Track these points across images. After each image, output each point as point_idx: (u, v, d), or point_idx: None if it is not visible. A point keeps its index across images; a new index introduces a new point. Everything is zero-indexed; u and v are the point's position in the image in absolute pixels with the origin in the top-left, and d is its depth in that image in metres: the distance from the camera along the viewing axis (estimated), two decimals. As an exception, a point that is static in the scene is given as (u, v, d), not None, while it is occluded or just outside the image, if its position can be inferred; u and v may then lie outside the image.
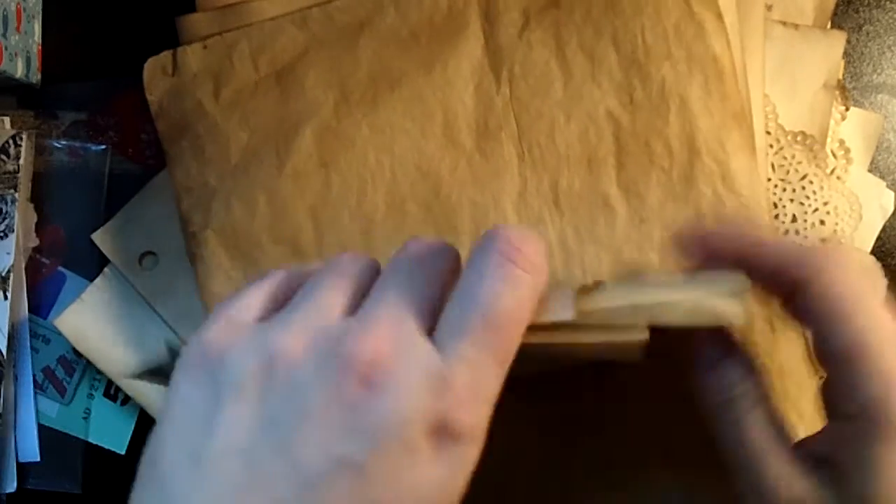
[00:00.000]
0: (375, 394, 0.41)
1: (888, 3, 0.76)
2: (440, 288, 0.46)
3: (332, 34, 0.71)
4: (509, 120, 0.67)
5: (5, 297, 0.75)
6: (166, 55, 0.73)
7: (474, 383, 0.42)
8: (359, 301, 0.46)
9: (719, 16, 0.66)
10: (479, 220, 0.67)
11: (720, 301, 0.47)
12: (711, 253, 0.52)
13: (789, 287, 0.48)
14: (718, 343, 0.52)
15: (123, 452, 0.77)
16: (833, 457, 0.47)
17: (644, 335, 0.48)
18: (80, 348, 0.75)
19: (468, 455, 0.43)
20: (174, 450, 0.43)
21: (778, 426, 0.50)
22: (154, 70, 0.73)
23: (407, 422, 0.41)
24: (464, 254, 0.66)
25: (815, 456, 0.48)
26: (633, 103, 0.66)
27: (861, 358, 0.45)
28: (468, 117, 0.68)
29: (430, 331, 0.44)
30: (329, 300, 0.46)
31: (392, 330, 0.43)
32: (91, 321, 0.75)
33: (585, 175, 0.66)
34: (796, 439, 0.50)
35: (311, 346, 0.43)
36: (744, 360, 0.51)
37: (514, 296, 0.44)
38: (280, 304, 0.48)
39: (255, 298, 0.48)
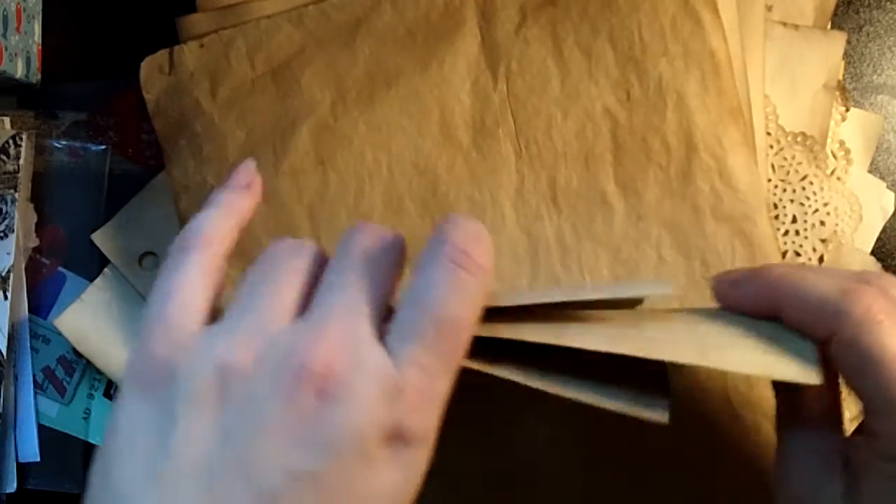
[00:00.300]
0: (330, 405, 0.41)
1: (888, 3, 0.76)
2: (390, 286, 0.47)
3: (328, 32, 0.71)
4: (506, 117, 0.67)
5: (5, 297, 0.76)
6: (163, 54, 0.73)
7: (426, 388, 0.43)
8: (307, 296, 0.46)
9: (716, 11, 0.66)
10: (476, 217, 0.66)
11: (795, 363, 0.47)
12: (743, 302, 0.52)
13: (824, 334, 0.47)
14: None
15: (123, 453, 0.77)
16: (866, 474, 0.48)
17: (665, 417, 0.47)
18: (80, 348, 0.75)
19: (421, 457, 0.43)
20: (129, 468, 0.42)
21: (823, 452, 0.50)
22: (151, 69, 0.73)
23: (363, 432, 0.41)
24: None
25: (854, 465, 0.49)
26: (630, 100, 0.66)
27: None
28: (465, 114, 0.68)
29: (380, 330, 0.44)
30: (276, 300, 0.46)
31: (344, 337, 0.43)
32: (91, 321, 0.75)
33: (583, 172, 0.66)
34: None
35: (262, 357, 0.43)
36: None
37: (463, 301, 0.44)
38: (219, 291, 0.48)
39: (194, 294, 0.47)
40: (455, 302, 0.44)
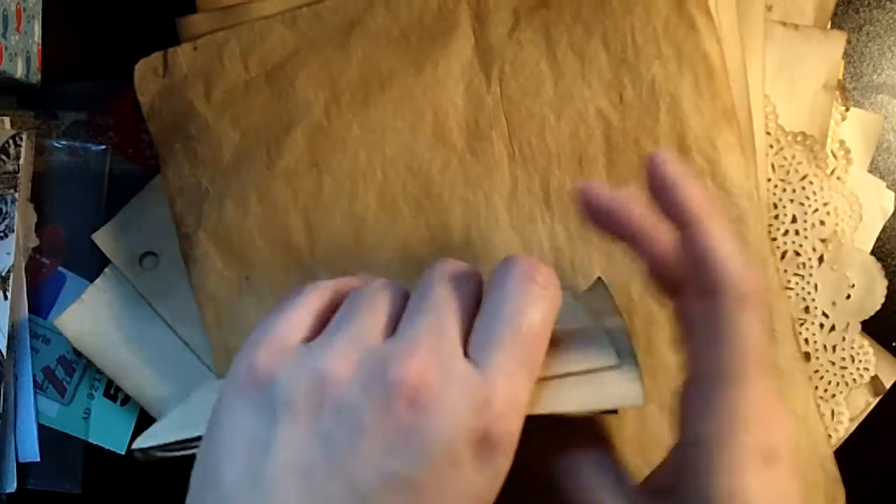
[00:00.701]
0: (423, 414, 0.43)
1: (888, 3, 0.76)
2: (471, 308, 0.49)
3: (322, 34, 0.71)
4: (500, 119, 0.67)
5: (5, 297, 0.76)
6: (157, 56, 0.73)
7: (510, 395, 0.45)
8: (395, 322, 0.48)
9: (709, 14, 0.66)
10: (470, 219, 0.67)
11: (618, 386, 0.48)
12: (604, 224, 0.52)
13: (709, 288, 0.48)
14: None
15: (123, 452, 0.77)
16: (676, 485, 0.49)
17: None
18: (80, 348, 0.75)
19: (505, 462, 0.45)
20: (233, 468, 0.45)
21: (614, 472, 0.52)
22: (145, 71, 0.73)
23: (453, 439, 0.43)
24: (457, 253, 0.67)
25: (660, 488, 0.50)
26: (623, 102, 0.66)
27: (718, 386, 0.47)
28: (459, 117, 0.68)
29: (465, 348, 0.47)
30: (369, 322, 0.48)
31: (433, 352, 0.45)
32: (91, 321, 0.75)
33: (576, 174, 0.66)
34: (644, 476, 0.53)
35: (358, 369, 0.45)
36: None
37: (539, 310, 0.47)
38: (323, 322, 0.50)
39: (300, 318, 0.50)
40: (531, 311, 0.47)
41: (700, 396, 0.48)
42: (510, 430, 0.45)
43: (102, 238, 0.76)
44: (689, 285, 0.49)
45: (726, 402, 0.46)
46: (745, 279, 0.47)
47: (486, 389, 0.44)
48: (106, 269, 0.77)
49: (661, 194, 0.50)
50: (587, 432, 0.54)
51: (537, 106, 0.67)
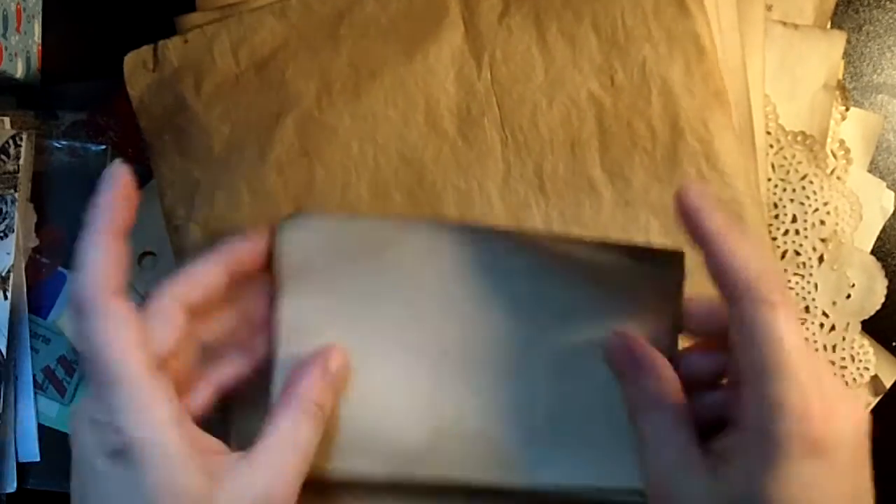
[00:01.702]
0: None
1: (888, 3, 0.76)
2: None
3: (311, 25, 0.71)
4: (491, 105, 0.67)
5: (5, 297, 0.76)
6: (147, 49, 0.72)
7: None
8: None
9: (699, -6, 0.66)
10: (463, 206, 0.67)
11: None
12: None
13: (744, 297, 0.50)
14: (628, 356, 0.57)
15: (122, 453, 0.77)
16: (728, 457, 0.50)
17: None
18: (82, 346, 0.76)
19: None
20: None
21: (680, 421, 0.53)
22: (135, 65, 0.72)
23: None
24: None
25: (717, 452, 0.51)
26: (614, 85, 0.66)
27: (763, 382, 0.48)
28: (450, 104, 0.68)
29: None
30: None
31: None
32: (93, 321, 0.76)
33: (569, 159, 0.66)
34: None
35: None
36: (652, 368, 0.56)
37: None
38: None
39: None
40: None
41: (745, 392, 0.49)
42: None
43: (103, 238, 0.77)
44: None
45: (766, 394, 0.47)
46: (763, 281, 0.49)
47: None
48: (106, 269, 0.77)
49: (685, 222, 0.53)
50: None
51: (529, 91, 0.67)
